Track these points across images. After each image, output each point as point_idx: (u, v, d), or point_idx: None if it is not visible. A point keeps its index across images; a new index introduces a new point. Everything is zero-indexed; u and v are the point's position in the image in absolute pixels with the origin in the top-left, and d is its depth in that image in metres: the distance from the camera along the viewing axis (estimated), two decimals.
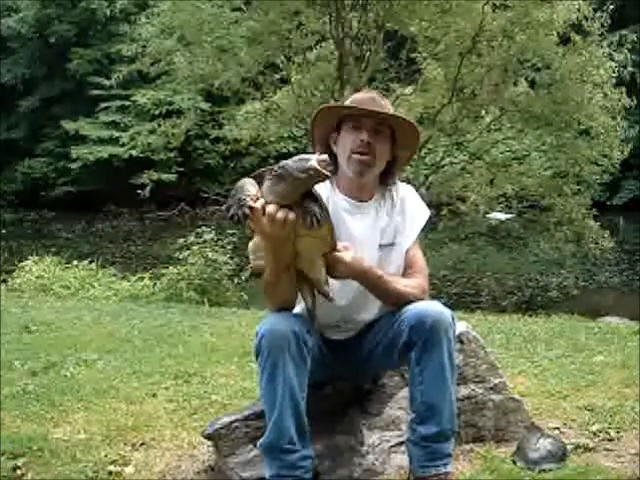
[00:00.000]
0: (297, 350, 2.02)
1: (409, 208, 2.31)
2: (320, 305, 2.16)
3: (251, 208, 1.91)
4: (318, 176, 1.86)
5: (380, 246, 2.25)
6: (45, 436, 2.74)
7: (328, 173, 1.87)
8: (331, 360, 2.27)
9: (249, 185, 1.95)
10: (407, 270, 2.26)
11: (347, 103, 2.27)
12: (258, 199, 1.92)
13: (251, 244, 2.10)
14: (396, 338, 2.14)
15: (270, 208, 1.90)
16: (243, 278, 8.66)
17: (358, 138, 2.19)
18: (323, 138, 2.27)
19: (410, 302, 2.15)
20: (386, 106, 2.24)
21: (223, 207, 1.98)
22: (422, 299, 2.18)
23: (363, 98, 2.24)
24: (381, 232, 2.26)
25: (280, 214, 1.90)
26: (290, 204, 1.91)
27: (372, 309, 2.27)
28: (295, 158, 1.89)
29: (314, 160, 1.85)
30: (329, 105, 2.29)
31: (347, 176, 2.24)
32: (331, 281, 2.13)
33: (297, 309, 2.19)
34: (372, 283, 2.15)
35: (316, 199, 1.95)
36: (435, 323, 2.06)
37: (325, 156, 1.88)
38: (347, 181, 2.26)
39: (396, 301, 2.19)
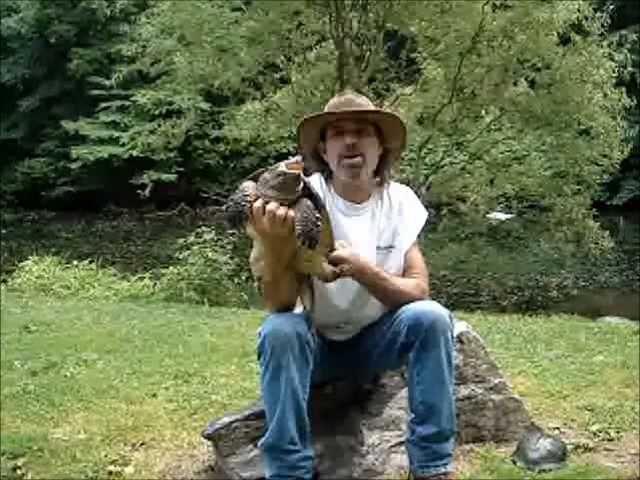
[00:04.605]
0: (300, 351, 2.03)
1: (407, 210, 2.31)
2: (321, 306, 2.16)
3: (251, 207, 1.93)
4: (288, 179, 1.90)
5: (378, 248, 2.24)
6: (45, 436, 2.74)
7: (297, 171, 1.90)
8: (331, 360, 2.27)
9: (249, 187, 1.97)
10: (406, 271, 2.26)
11: (325, 110, 2.26)
12: (258, 199, 1.94)
13: (252, 255, 2.10)
14: (395, 338, 2.15)
15: (271, 206, 1.91)
16: (243, 278, 8.66)
17: (343, 143, 2.19)
18: (312, 150, 2.28)
19: (409, 302, 2.16)
20: (363, 103, 2.23)
21: (223, 208, 1.99)
22: (421, 299, 2.18)
23: (339, 102, 2.24)
24: (379, 234, 2.25)
25: (280, 211, 1.91)
26: (289, 204, 1.93)
27: (373, 310, 2.26)
28: (271, 167, 1.95)
29: (282, 165, 1.90)
30: (307, 117, 2.27)
31: (341, 180, 2.24)
32: (331, 288, 2.16)
33: (298, 309, 2.19)
34: (369, 280, 2.15)
35: (314, 197, 1.97)
36: (432, 323, 2.06)
37: (297, 157, 1.91)
38: (342, 185, 2.26)
39: (394, 300, 2.18)
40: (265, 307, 2.21)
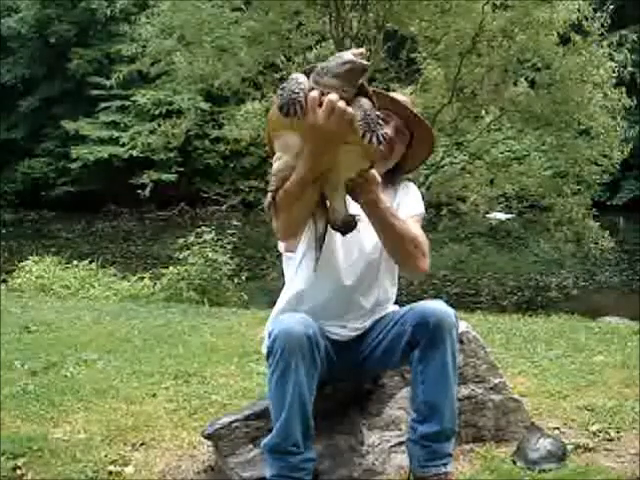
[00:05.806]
0: (310, 354, 2.02)
1: (412, 192, 2.34)
2: (327, 289, 2.14)
3: (306, 97, 1.80)
4: (356, 67, 1.79)
5: None
6: (45, 436, 2.74)
7: (366, 62, 1.80)
8: (334, 361, 2.27)
9: (302, 77, 1.85)
10: None
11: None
12: (312, 90, 1.82)
13: (276, 165, 1.96)
14: (399, 337, 2.15)
15: (332, 96, 1.80)
16: (243, 278, 8.68)
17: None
18: None
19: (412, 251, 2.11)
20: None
21: (277, 95, 1.82)
22: (423, 255, 2.13)
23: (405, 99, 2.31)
24: None
25: (341, 104, 1.80)
26: (346, 100, 1.82)
27: (375, 292, 2.26)
28: (330, 58, 1.85)
29: (349, 53, 1.81)
30: (386, 94, 2.28)
31: None
32: (339, 262, 2.15)
33: (292, 291, 2.19)
34: (382, 214, 2.06)
35: (372, 101, 1.86)
36: (439, 322, 2.07)
37: (361, 49, 1.83)
38: None
39: (399, 242, 2.10)
40: (273, 222, 2.06)
